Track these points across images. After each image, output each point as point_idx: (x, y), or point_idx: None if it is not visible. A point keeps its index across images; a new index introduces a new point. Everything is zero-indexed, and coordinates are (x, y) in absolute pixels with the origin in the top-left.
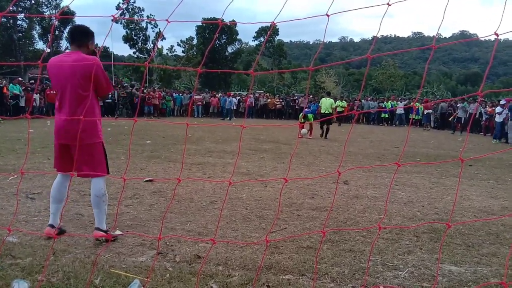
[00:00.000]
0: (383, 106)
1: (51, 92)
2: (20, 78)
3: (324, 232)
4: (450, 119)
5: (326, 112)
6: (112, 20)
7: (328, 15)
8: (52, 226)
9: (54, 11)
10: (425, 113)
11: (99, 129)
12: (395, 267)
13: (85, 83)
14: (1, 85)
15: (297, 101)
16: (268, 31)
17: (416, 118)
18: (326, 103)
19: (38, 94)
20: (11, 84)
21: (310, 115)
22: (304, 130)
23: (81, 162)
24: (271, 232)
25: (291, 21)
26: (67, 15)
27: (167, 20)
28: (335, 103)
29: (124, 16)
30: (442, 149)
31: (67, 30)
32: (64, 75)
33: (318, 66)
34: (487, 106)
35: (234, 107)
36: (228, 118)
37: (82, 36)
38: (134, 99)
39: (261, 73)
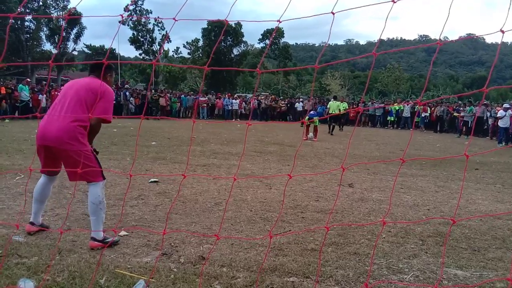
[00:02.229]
0: (390, 109)
1: (56, 93)
2: (28, 79)
3: (328, 228)
4: (455, 113)
5: (334, 113)
6: (119, 22)
7: (333, 13)
8: (32, 223)
9: (61, 12)
10: (422, 115)
11: (86, 139)
12: (400, 270)
13: (92, 99)
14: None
15: (298, 104)
16: (273, 32)
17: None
18: (333, 106)
19: (45, 95)
20: (20, 85)
21: (316, 118)
22: (310, 134)
23: (74, 167)
24: (276, 235)
25: (296, 24)
26: (74, 15)
27: (174, 18)
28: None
29: (132, 18)
30: (448, 153)
31: (74, 31)
32: (78, 87)
33: (324, 64)
34: (494, 108)
35: (241, 110)
36: (233, 119)
37: (101, 69)
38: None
39: (267, 71)
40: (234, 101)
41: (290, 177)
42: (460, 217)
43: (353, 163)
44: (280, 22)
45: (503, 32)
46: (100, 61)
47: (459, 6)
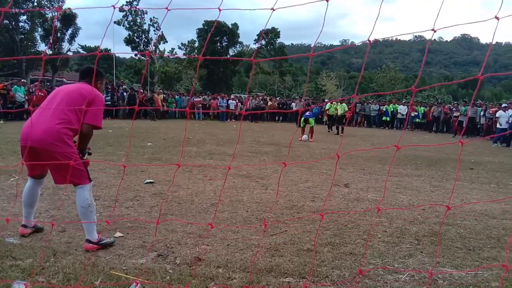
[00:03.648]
0: (384, 109)
1: (40, 93)
2: (23, 80)
3: (322, 215)
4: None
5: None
6: (116, 8)
7: (327, 0)
8: (25, 226)
9: (56, 13)
10: (412, 114)
11: (72, 141)
12: (395, 270)
13: (81, 101)
14: None
15: (293, 103)
16: (269, 32)
17: (417, 121)
18: (344, 107)
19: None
20: (15, 86)
21: (311, 119)
22: (305, 136)
23: (59, 171)
24: (272, 235)
25: (292, 24)
26: (69, 16)
27: (166, 8)
28: (327, 106)
29: (127, 18)
30: (444, 153)
31: (69, 32)
32: (68, 90)
33: (319, 52)
34: (488, 108)
35: (236, 110)
36: (227, 120)
37: (92, 75)
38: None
39: (261, 60)
40: (230, 101)
41: (285, 165)
42: (456, 218)
43: (349, 164)
44: (274, 10)
45: (497, 18)
46: (91, 66)
47: (458, 7)
